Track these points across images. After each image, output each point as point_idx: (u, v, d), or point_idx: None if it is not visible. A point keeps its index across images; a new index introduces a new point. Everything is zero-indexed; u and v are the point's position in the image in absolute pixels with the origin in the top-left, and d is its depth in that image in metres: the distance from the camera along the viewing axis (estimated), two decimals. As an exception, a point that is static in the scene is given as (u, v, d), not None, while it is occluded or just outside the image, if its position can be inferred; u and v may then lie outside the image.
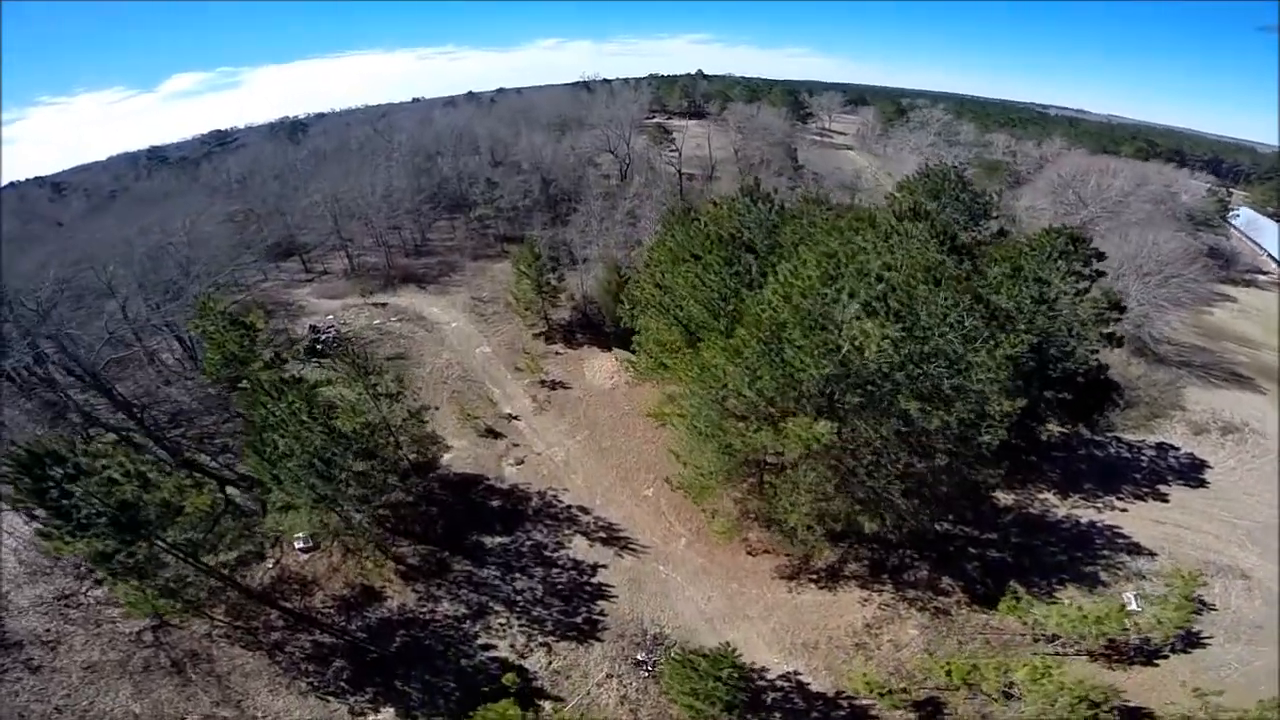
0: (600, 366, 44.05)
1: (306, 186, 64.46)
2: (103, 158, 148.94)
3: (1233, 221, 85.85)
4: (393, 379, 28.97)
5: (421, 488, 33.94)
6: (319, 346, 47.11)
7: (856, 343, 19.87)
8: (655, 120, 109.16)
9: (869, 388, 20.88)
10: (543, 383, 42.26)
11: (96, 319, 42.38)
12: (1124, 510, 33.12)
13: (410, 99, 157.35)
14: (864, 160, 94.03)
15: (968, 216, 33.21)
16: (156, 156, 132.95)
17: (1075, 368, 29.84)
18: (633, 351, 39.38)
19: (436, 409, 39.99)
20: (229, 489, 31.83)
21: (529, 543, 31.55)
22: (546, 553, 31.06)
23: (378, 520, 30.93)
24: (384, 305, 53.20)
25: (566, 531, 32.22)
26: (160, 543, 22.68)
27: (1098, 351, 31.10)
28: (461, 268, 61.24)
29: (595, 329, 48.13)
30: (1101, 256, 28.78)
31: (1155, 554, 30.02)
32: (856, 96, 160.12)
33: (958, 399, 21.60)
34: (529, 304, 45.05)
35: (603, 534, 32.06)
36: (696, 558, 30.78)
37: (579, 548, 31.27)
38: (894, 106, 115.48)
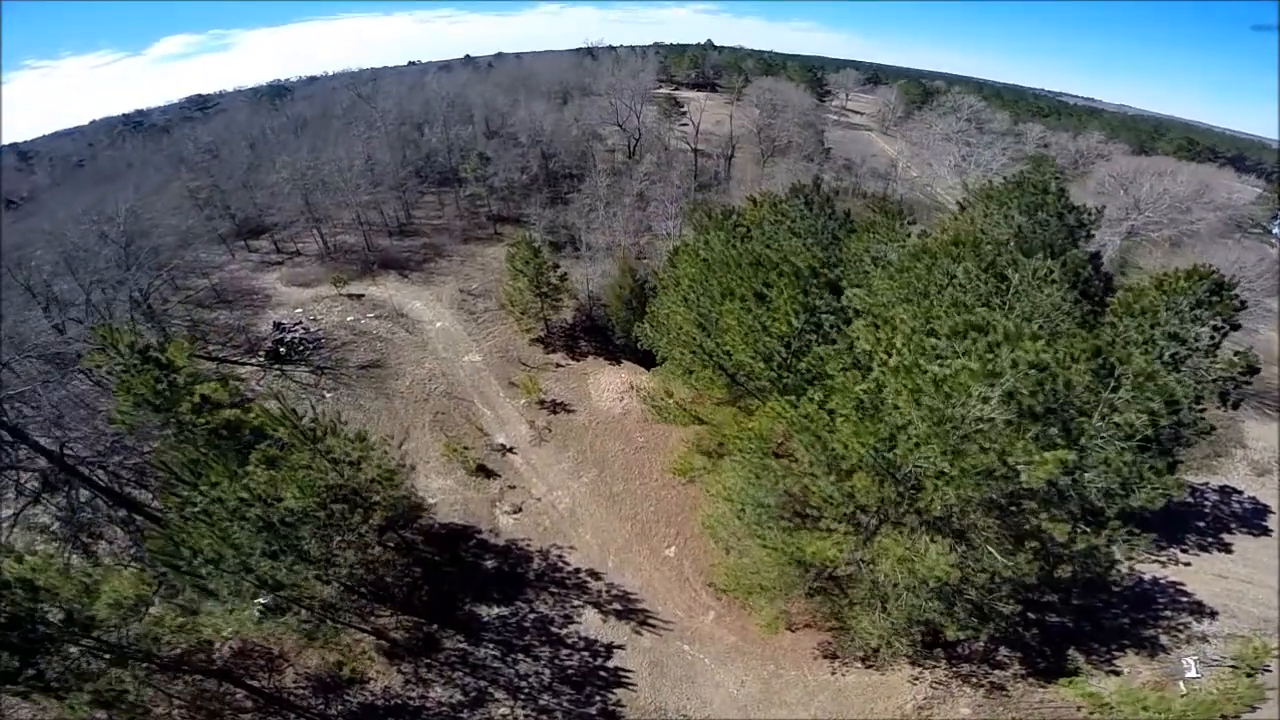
0: (608, 384, 38.09)
1: (278, 158, 56.91)
2: (85, 123, 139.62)
3: (1275, 228, 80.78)
4: (354, 438, 22.78)
5: (400, 541, 28.29)
6: (283, 349, 40.67)
7: (1010, 460, 14.17)
8: (664, 92, 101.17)
9: (1010, 509, 15.31)
10: (542, 404, 36.28)
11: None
12: (1187, 565, 29.86)
13: (406, 63, 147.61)
14: (887, 144, 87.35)
15: (1068, 239, 27.37)
16: (131, 123, 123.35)
17: (1189, 435, 24.56)
18: (640, 352, 33.72)
19: (405, 445, 34.08)
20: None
21: (532, 615, 26.40)
22: (553, 628, 25.98)
23: (348, 588, 25.48)
24: (360, 297, 46.58)
25: (575, 602, 27.03)
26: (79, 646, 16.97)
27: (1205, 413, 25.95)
28: (449, 252, 54.57)
29: (602, 334, 42.08)
30: (1244, 305, 23.18)
31: (1217, 613, 26.98)
32: (871, 75, 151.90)
33: (1111, 509, 16.20)
34: (526, 308, 38.77)
35: (618, 605, 26.90)
36: (727, 634, 25.95)
37: (591, 623, 26.13)
38: (918, 88, 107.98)
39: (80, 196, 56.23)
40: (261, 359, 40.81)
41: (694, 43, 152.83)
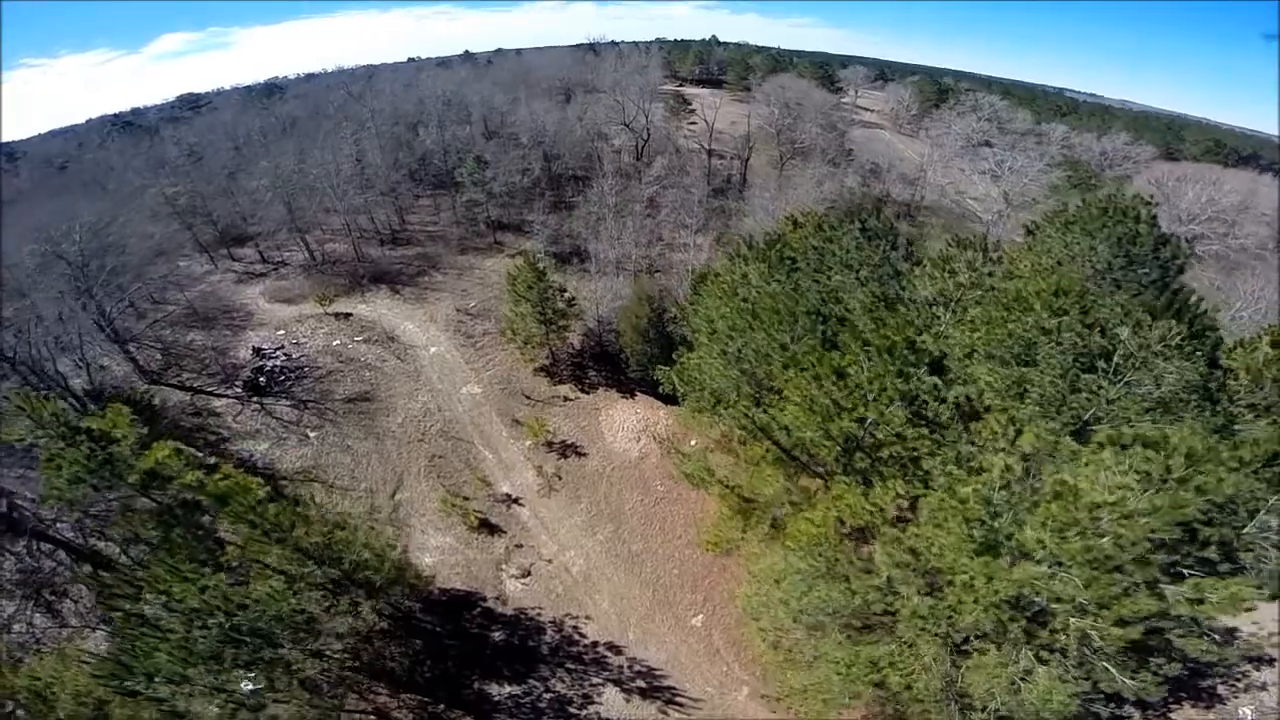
0: (623, 422, 34.39)
1: (260, 163, 52.85)
2: (81, 121, 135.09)
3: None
4: (329, 528, 19.05)
5: (395, 608, 24.77)
6: (262, 380, 36.83)
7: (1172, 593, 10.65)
8: (670, 88, 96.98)
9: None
10: (550, 446, 32.59)
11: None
12: (1249, 609, 26.22)
13: (405, 59, 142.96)
14: (902, 144, 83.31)
15: (1161, 278, 23.77)
16: (121, 122, 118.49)
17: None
18: (656, 384, 30.06)
19: (398, 494, 30.40)
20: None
21: (548, 695, 23.28)
22: (572, 709, 22.82)
23: (342, 663, 22.03)
24: (347, 317, 42.66)
25: (595, 680, 23.86)
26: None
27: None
28: (445, 264, 50.61)
29: (613, 362, 38.28)
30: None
31: (1275, 661, 23.52)
32: (879, 72, 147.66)
33: None
34: (529, 336, 34.99)
35: (641, 682, 23.67)
36: (762, 712, 22.74)
37: (613, 702, 22.95)
38: (933, 86, 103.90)
39: (43, 207, 51.93)
40: (239, 390, 36.95)
41: (696, 38, 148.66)
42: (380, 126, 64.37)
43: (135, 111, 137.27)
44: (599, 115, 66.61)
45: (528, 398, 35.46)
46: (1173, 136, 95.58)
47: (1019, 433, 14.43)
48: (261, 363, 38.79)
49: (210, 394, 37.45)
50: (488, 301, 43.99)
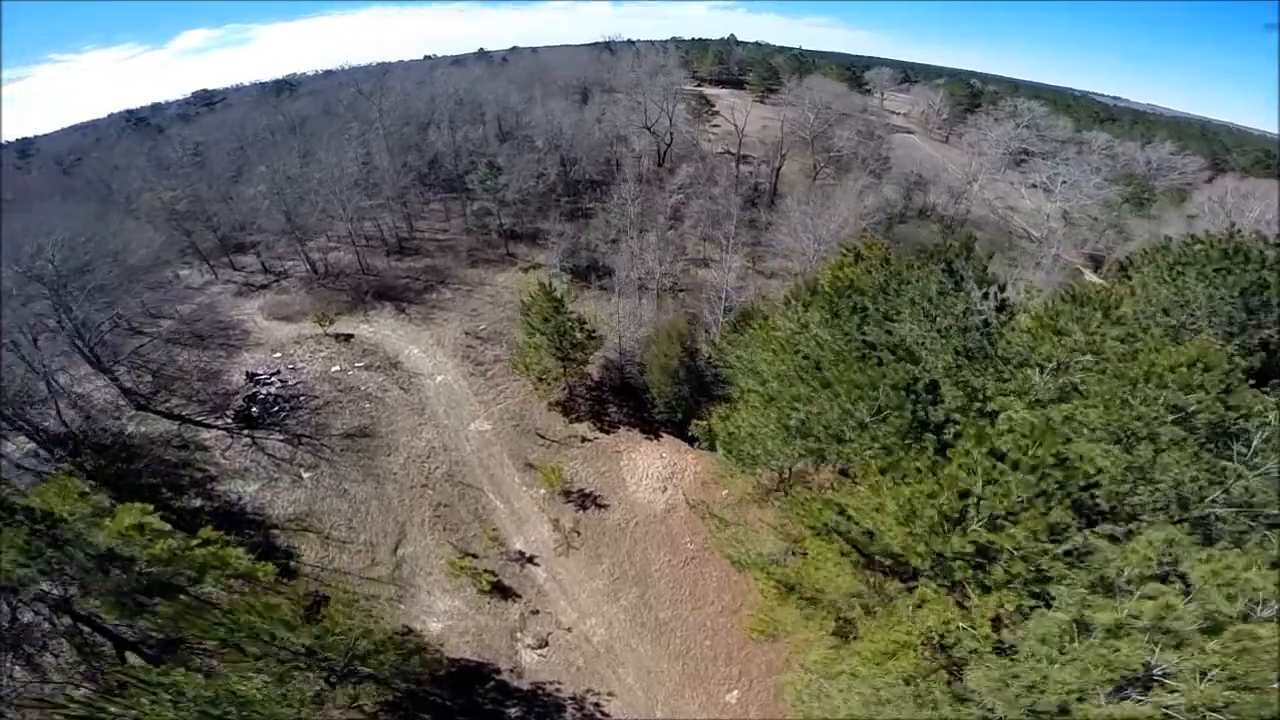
0: (647, 468, 31.18)
1: (258, 167, 49.97)
2: (103, 116, 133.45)
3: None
4: (312, 637, 15.97)
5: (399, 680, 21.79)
6: (254, 410, 33.91)
7: None
8: (690, 89, 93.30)
9: None
10: (567, 496, 29.44)
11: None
12: None
13: (422, 57, 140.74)
14: (936, 151, 79.27)
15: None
16: (135, 119, 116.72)
17: None
18: (684, 423, 26.87)
19: (400, 548, 27.34)
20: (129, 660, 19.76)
21: None
22: None
23: None
24: (348, 339, 39.67)
25: None
26: None
27: None
28: (454, 278, 47.56)
29: (635, 396, 35.06)
30: None
31: None
32: (904, 74, 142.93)
33: None
34: (544, 371, 31.82)
35: None
36: None
37: None
38: (965, 89, 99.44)
39: (44, 209, 49.34)
40: (230, 420, 34.05)
41: (714, 38, 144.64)
42: (389, 126, 61.39)
43: (155, 107, 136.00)
44: (618, 117, 63.17)
45: (542, 437, 32.31)
46: (1218, 146, 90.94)
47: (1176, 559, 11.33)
48: (255, 390, 35.89)
49: (199, 424, 34.57)
50: (499, 323, 40.87)
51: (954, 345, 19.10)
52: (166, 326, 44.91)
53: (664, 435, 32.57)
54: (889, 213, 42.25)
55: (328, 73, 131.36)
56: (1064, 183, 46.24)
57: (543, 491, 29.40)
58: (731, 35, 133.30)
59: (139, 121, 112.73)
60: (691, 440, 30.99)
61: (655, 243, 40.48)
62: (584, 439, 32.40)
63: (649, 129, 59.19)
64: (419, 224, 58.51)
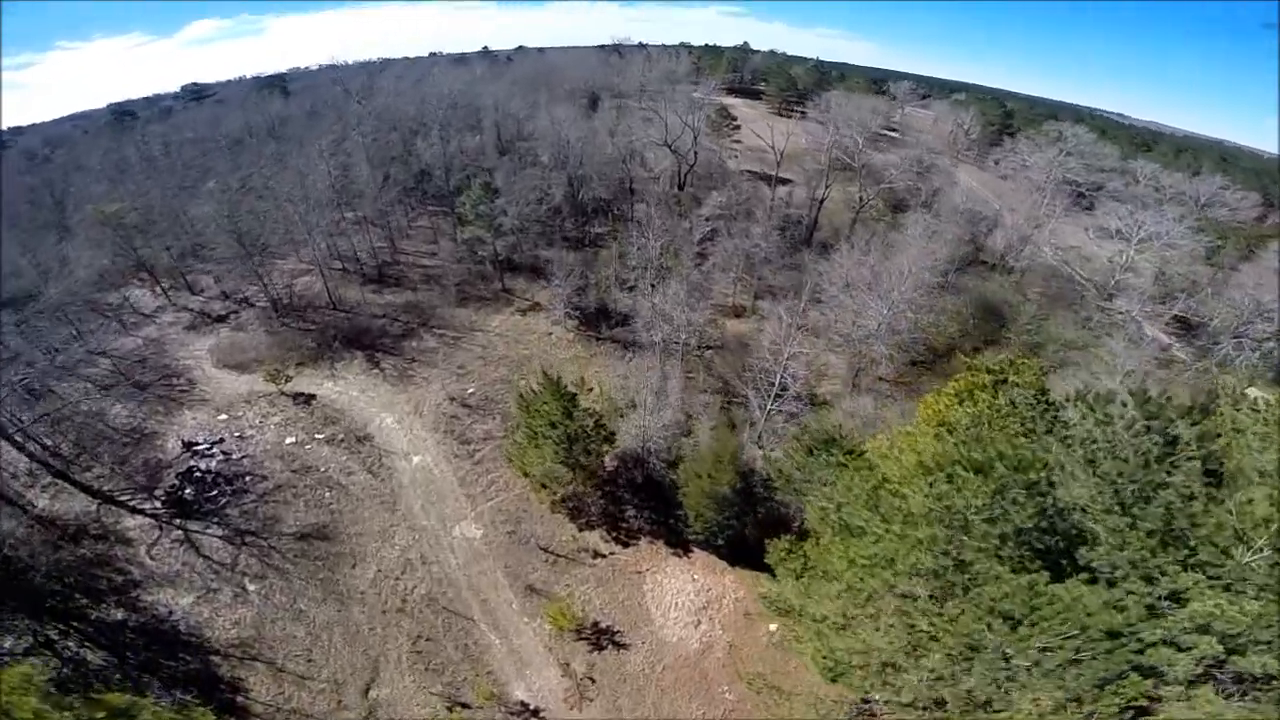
0: (677, 595, 24.65)
1: (207, 182, 42.98)
2: (102, 106, 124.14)
3: None
4: None
5: None
6: (188, 493, 27.22)
7: None
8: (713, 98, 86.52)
9: None
10: (579, 632, 22.91)
11: None
12: None
13: (428, 54, 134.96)
14: (967, 176, 72.48)
15: None
16: (121, 112, 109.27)
17: None
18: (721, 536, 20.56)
19: (372, 691, 20.67)
20: None
21: None
22: None
23: None
24: (308, 402, 32.84)
25: None
26: None
27: None
28: (439, 320, 40.45)
29: (658, 495, 28.18)
30: None
31: None
32: (924, 89, 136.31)
33: None
34: (548, 477, 25.13)
35: None
36: None
37: None
38: (998, 108, 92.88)
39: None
40: (159, 505, 27.28)
41: (724, 45, 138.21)
42: (373, 131, 54.24)
43: (150, 99, 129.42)
44: (634, 130, 56.20)
45: (545, 550, 25.69)
46: (1270, 179, 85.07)
47: None
48: (192, 464, 29.12)
49: (123, 505, 27.83)
50: (490, 386, 34.08)
51: (1144, 529, 12.87)
52: (104, 367, 37.97)
53: (695, 550, 26.06)
54: (956, 263, 35.99)
55: (331, 67, 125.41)
56: (1145, 230, 39.84)
57: (548, 628, 22.83)
58: (745, 43, 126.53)
59: (123, 115, 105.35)
60: (732, 555, 24.70)
61: (680, 292, 33.82)
62: (597, 554, 25.78)
63: (669, 147, 52.38)
64: (403, 243, 51.60)
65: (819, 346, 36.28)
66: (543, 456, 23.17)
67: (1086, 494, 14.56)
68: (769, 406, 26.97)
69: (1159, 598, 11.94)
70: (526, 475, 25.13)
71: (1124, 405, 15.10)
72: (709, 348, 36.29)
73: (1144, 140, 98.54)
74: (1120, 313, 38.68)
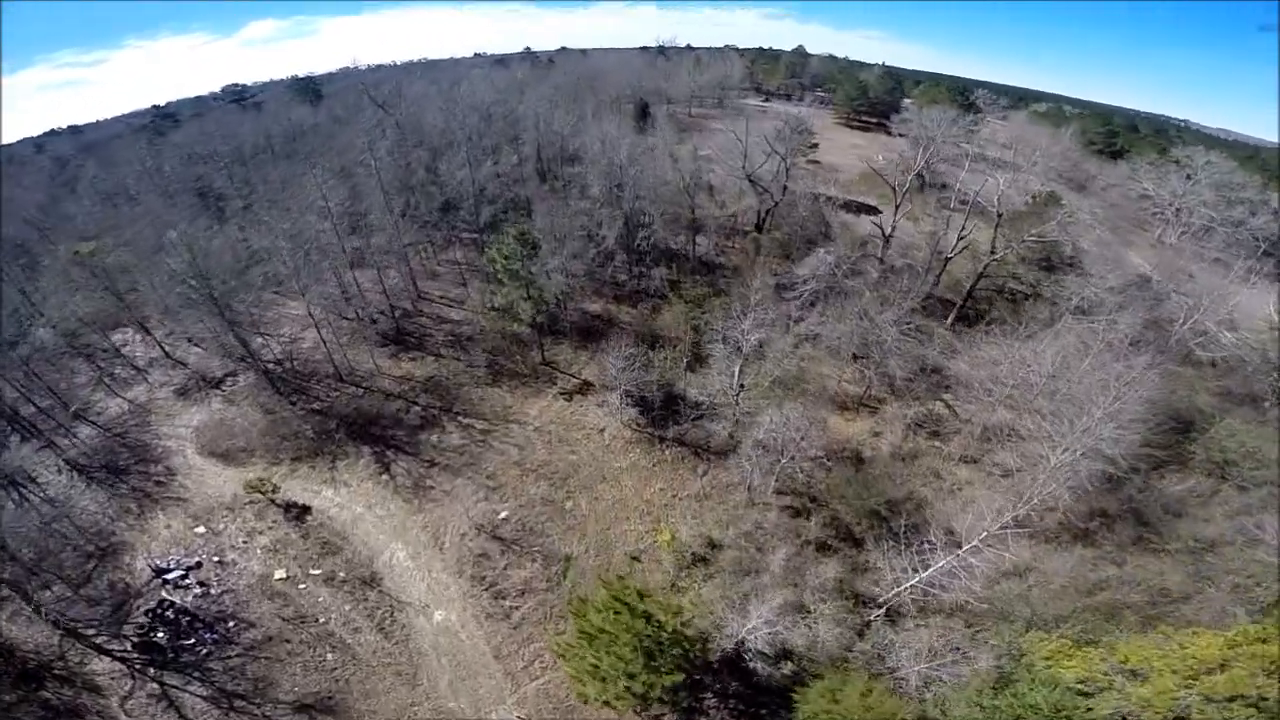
0: None
1: (178, 224, 36.13)
2: (162, 102, 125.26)
3: None
4: None
5: None
6: (161, 635, 20.74)
7: None
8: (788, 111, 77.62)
9: None
10: None
11: None
12: None
13: (472, 54, 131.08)
14: (1092, 219, 59.83)
15: None
16: (162, 114, 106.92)
17: None
18: None
19: None
20: None
21: None
22: None
23: None
24: (301, 516, 25.90)
25: None
26: None
27: None
28: (465, 402, 32.38)
29: (754, 698, 20.49)
30: None
31: None
32: (1006, 99, 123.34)
33: None
34: (619, 693, 17.60)
35: None
36: None
37: None
38: (1101, 123, 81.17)
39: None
40: (131, 647, 20.82)
41: (773, 47, 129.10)
42: (397, 149, 46.54)
43: (197, 100, 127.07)
44: (699, 147, 47.53)
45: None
46: None
47: None
48: (164, 596, 22.59)
49: (89, 642, 21.47)
50: (529, 510, 26.39)
51: None
52: (84, 437, 31.83)
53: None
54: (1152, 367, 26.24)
55: (376, 68, 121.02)
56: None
57: None
58: (800, 47, 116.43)
59: (162, 117, 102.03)
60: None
61: (792, 414, 25.25)
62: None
63: (752, 181, 43.77)
64: (428, 284, 44.16)
65: (944, 459, 27.95)
66: (601, 656, 15.74)
67: None
68: (905, 581, 18.97)
69: None
70: (582, 687, 17.55)
71: None
72: (813, 459, 27.65)
73: (1257, 159, 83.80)
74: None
